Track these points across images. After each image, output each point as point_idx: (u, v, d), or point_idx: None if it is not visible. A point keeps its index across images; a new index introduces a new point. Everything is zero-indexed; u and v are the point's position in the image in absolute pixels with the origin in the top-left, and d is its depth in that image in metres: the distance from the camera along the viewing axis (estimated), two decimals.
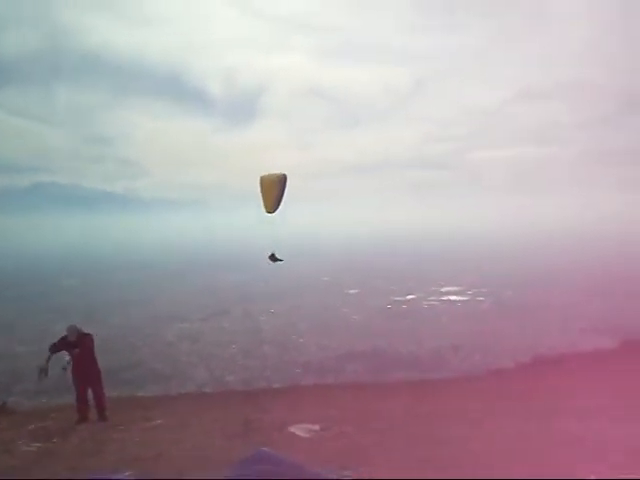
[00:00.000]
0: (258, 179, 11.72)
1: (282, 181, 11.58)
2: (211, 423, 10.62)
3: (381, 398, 13.66)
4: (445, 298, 63.86)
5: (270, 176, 11.56)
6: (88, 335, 13.67)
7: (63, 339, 13.55)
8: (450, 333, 43.98)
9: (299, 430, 9.85)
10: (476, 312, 52.93)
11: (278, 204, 11.50)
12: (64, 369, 12.78)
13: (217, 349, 49.07)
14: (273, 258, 12.19)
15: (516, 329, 42.85)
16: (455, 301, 60.30)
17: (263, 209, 11.50)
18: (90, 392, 13.37)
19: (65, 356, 12.70)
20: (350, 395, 13.96)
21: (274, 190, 11.52)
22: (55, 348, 13.44)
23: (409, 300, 58.32)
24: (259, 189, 11.60)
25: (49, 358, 13.00)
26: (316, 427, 9.99)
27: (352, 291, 67.44)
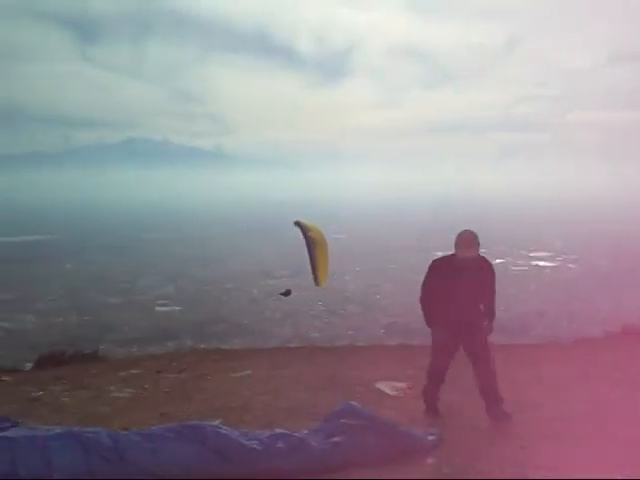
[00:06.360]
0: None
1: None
2: (297, 376, 10.65)
3: (466, 360, 13.45)
4: (534, 263, 62.74)
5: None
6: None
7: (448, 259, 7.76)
8: (537, 299, 43.26)
9: (385, 387, 9.76)
10: (565, 279, 51.80)
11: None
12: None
13: (302, 306, 49.71)
14: (285, 293, 10.17)
15: (606, 298, 41.74)
16: (544, 267, 59.20)
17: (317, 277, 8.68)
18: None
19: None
20: None
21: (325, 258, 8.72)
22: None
23: (497, 264, 57.38)
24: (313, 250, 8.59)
25: None
26: (402, 385, 9.88)
27: (439, 253, 66.87)
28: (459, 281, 7.40)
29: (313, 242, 8.36)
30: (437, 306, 7.67)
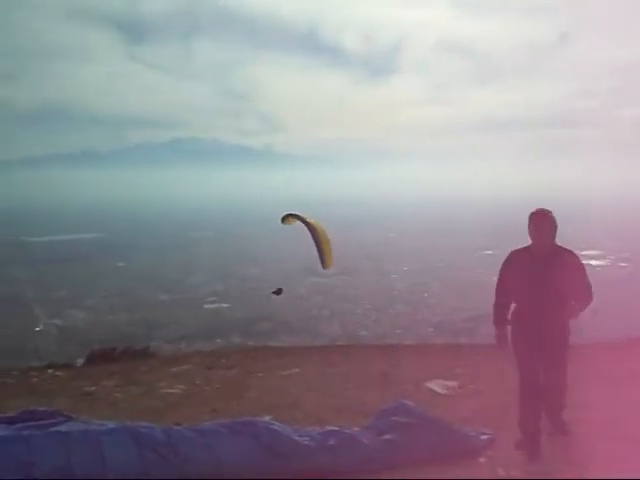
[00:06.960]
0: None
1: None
2: (346, 374, 10.65)
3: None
4: (585, 262, 61.53)
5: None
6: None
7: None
8: None
9: (435, 386, 9.69)
10: (617, 277, 50.93)
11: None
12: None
13: (350, 305, 49.71)
14: (277, 292, 9.77)
15: None
16: (595, 266, 58.27)
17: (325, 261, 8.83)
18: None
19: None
20: (484, 356, 13.64)
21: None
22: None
23: None
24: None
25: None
26: (453, 384, 9.79)
27: (488, 252, 66.39)
28: (540, 275, 6.22)
29: (314, 228, 8.21)
30: (519, 314, 6.60)
